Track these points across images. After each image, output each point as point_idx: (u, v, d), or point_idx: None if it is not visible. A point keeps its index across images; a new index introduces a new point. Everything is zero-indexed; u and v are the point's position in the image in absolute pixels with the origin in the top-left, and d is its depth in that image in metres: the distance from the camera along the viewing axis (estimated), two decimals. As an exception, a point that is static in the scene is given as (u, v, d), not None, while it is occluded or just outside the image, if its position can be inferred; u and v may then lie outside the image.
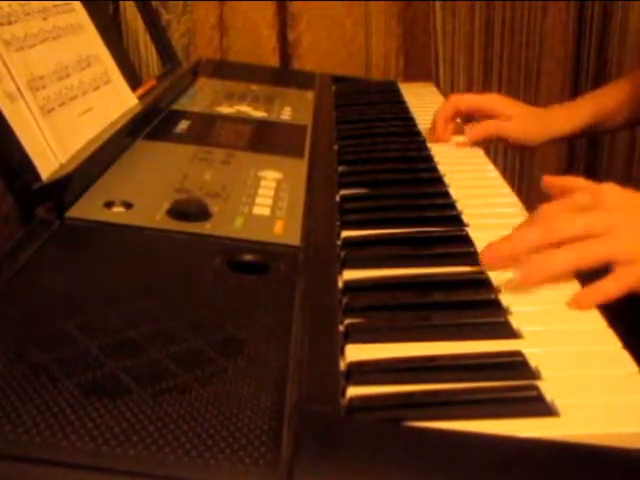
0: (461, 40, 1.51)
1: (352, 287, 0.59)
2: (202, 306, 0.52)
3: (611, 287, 0.58)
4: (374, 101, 1.22)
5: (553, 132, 1.05)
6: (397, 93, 1.27)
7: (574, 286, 0.60)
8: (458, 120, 1.02)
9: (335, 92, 1.29)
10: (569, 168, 1.58)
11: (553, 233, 0.61)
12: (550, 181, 0.71)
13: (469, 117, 1.04)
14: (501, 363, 0.50)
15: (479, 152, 0.96)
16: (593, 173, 1.57)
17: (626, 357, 0.51)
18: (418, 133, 1.03)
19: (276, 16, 1.47)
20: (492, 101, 1.03)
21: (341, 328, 0.53)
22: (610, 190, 0.65)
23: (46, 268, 0.54)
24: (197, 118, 0.99)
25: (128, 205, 0.66)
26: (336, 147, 0.97)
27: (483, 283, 0.60)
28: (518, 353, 0.50)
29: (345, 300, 0.57)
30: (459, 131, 1.00)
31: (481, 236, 0.68)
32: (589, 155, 1.57)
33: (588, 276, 0.61)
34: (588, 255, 0.59)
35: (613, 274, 0.58)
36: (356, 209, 0.76)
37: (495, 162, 0.94)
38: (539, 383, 0.47)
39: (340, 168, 0.88)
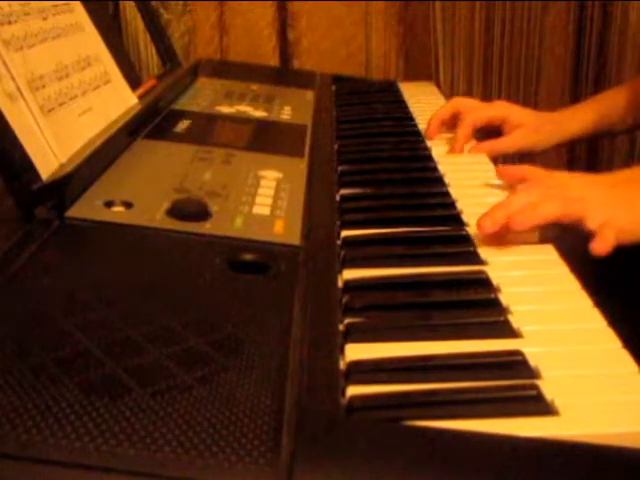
0: (461, 40, 1.50)
1: (352, 286, 0.59)
2: (202, 306, 0.51)
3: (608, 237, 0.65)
4: (374, 101, 1.22)
5: (562, 135, 1.05)
6: (397, 93, 1.27)
7: (574, 286, 0.60)
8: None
9: (335, 92, 1.29)
10: (569, 168, 1.57)
11: (539, 195, 0.69)
12: (503, 171, 0.82)
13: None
14: (501, 362, 0.50)
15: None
16: (594, 166, 1.57)
17: (626, 357, 0.51)
18: (418, 133, 1.03)
19: (276, 16, 1.47)
20: (502, 112, 1.02)
21: (341, 327, 0.53)
22: (565, 174, 0.78)
23: (46, 268, 0.54)
24: (197, 118, 0.99)
25: (128, 205, 0.66)
26: (336, 147, 0.97)
27: (483, 283, 0.60)
28: (518, 352, 0.50)
29: (345, 299, 0.57)
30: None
31: (481, 235, 0.68)
32: (589, 155, 1.56)
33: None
34: (569, 207, 0.67)
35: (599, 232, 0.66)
36: (356, 208, 0.76)
37: (495, 162, 0.94)
38: (539, 382, 0.47)
39: (340, 168, 0.88)
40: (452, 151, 0.96)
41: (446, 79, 1.52)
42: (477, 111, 1.01)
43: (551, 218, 0.67)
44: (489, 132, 1.04)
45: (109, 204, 0.66)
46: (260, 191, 0.73)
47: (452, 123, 1.00)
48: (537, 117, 1.05)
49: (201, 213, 0.66)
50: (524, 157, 1.52)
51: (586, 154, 1.56)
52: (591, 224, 0.66)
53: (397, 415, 0.44)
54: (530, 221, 0.66)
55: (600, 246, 0.64)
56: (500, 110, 1.03)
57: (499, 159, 1.00)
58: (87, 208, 0.65)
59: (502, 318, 0.55)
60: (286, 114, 1.06)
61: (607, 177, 0.75)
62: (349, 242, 0.68)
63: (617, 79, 1.47)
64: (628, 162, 1.54)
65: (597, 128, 1.06)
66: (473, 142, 0.98)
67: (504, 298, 0.58)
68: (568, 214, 0.67)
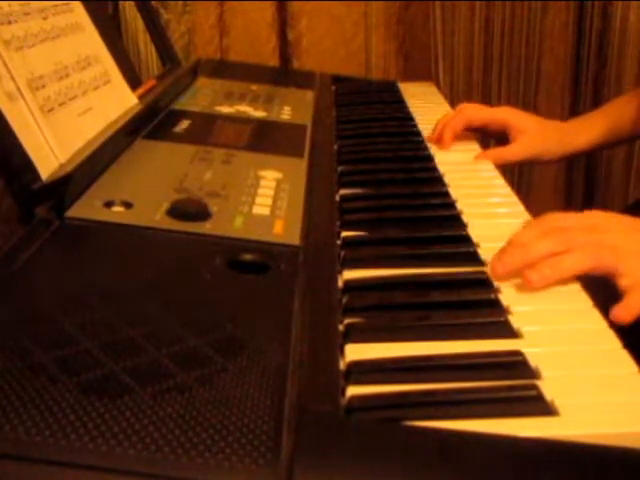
0: (461, 40, 1.50)
1: (352, 287, 0.59)
2: (202, 306, 0.51)
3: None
4: (374, 101, 1.22)
5: (571, 147, 1.02)
6: (397, 93, 1.27)
7: (574, 286, 0.60)
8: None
9: (335, 92, 1.29)
10: (569, 168, 1.57)
11: (565, 243, 0.61)
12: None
13: (479, 129, 1.02)
14: (501, 363, 0.50)
15: (478, 151, 0.96)
16: (592, 174, 1.57)
17: (626, 357, 0.51)
18: (418, 133, 1.03)
19: (276, 16, 1.47)
20: (504, 115, 1.00)
21: (341, 328, 0.53)
22: (598, 214, 0.66)
23: (46, 268, 0.54)
24: (197, 118, 0.99)
25: (128, 205, 0.66)
26: (336, 147, 0.97)
27: (483, 283, 0.60)
28: (518, 353, 0.50)
29: (345, 300, 0.57)
30: (466, 138, 1.00)
31: (481, 236, 0.68)
32: (588, 157, 1.56)
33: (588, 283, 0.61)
34: (601, 260, 0.59)
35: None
36: (356, 209, 0.76)
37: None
38: (539, 383, 0.47)
39: (340, 168, 0.88)
40: (434, 139, 0.97)
41: (446, 79, 1.52)
42: (477, 109, 1.01)
43: (577, 272, 0.60)
44: (495, 138, 1.03)
45: (109, 204, 0.66)
46: (260, 191, 0.73)
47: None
48: (542, 124, 1.02)
49: (201, 213, 0.66)
50: (524, 166, 1.53)
51: (585, 157, 1.56)
52: (625, 281, 0.59)
53: (397, 415, 0.44)
54: (551, 278, 0.59)
55: (622, 314, 0.57)
56: (502, 113, 1.01)
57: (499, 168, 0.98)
58: (87, 208, 0.64)
59: (502, 318, 0.55)
60: (286, 114, 1.06)
61: None
62: (349, 242, 0.68)
63: (617, 79, 1.47)
64: (627, 164, 1.54)
65: (607, 138, 1.03)
66: (478, 150, 0.97)
67: (504, 298, 0.58)
68: (599, 267, 0.59)
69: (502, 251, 0.62)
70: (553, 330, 0.55)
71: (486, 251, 0.65)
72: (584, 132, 1.03)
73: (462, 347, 0.51)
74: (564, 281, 0.61)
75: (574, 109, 1.53)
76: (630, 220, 0.65)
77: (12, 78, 0.66)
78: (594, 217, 0.65)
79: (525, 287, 0.60)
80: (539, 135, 1.00)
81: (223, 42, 1.46)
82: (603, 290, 0.60)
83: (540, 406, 0.45)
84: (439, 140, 0.97)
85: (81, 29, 0.86)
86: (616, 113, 1.04)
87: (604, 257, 0.60)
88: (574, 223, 0.64)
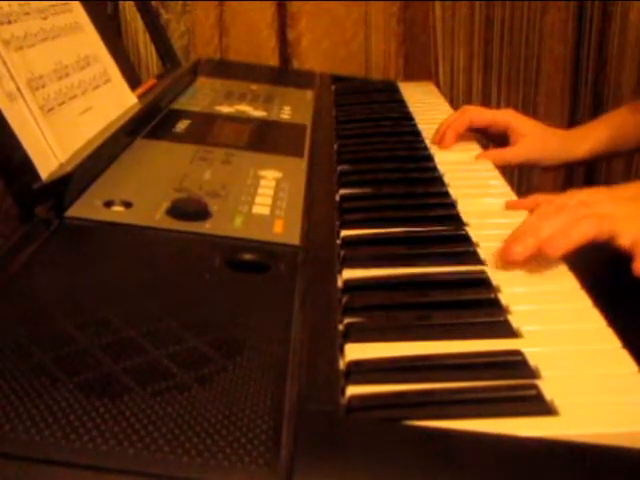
0: (461, 40, 1.51)
1: (352, 286, 0.59)
2: (202, 306, 0.51)
3: None
4: (374, 101, 1.22)
5: (572, 155, 1.02)
6: (397, 93, 1.27)
7: (573, 285, 0.60)
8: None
9: (335, 91, 1.29)
10: (569, 170, 1.57)
11: (569, 218, 0.65)
12: (515, 204, 0.77)
13: (481, 131, 1.02)
14: (501, 362, 0.50)
15: (478, 152, 0.96)
16: (592, 176, 1.57)
17: (626, 357, 0.51)
18: (418, 133, 1.03)
19: (276, 16, 1.47)
20: (507, 117, 1.00)
21: (341, 327, 0.53)
22: (582, 191, 0.72)
23: (46, 268, 0.54)
24: (197, 117, 0.99)
25: (128, 204, 0.66)
26: (335, 146, 0.97)
27: (483, 282, 0.60)
28: (518, 352, 0.50)
29: (345, 299, 0.57)
30: (466, 138, 1.00)
31: (481, 235, 0.68)
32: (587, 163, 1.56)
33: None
34: (602, 226, 0.64)
35: None
36: (355, 208, 0.76)
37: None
38: (539, 382, 0.47)
39: (340, 167, 0.88)
40: (436, 139, 0.97)
41: (446, 79, 1.52)
42: (479, 111, 1.01)
43: (586, 240, 0.63)
44: (496, 141, 1.03)
45: (109, 204, 0.66)
46: (260, 191, 0.73)
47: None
48: (544, 129, 1.02)
49: (201, 213, 0.66)
50: (523, 168, 1.53)
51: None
52: (624, 241, 0.64)
53: (397, 415, 0.44)
54: (566, 246, 0.62)
55: None
56: (504, 115, 1.01)
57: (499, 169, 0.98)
58: (87, 208, 0.64)
59: (502, 318, 0.55)
60: (286, 114, 1.06)
61: (625, 190, 0.72)
62: (349, 242, 0.68)
63: (617, 79, 1.47)
64: (627, 166, 1.54)
65: (610, 148, 1.03)
66: (478, 150, 0.97)
67: (504, 298, 0.58)
68: (601, 233, 0.64)
69: (511, 239, 0.64)
70: (553, 330, 0.55)
71: (486, 251, 0.66)
72: (586, 141, 1.02)
73: (462, 347, 0.51)
74: (563, 280, 0.61)
75: (573, 109, 1.53)
76: (610, 190, 0.72)
77: (12, 78, 0.66)
78: (580, 194, 0.70)
79: (523, 286, 0.60)
80: (540, 140, 1.00)
81: (223, 42, 1.46)
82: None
83: (540, 406, 0.45)
84: (441, 141, 0.97)
85: (81, 29, 0.86)
86: (620, 123, 1.03)
87: (603, 224, 0.64)
88: (568, 201, 0.68)
